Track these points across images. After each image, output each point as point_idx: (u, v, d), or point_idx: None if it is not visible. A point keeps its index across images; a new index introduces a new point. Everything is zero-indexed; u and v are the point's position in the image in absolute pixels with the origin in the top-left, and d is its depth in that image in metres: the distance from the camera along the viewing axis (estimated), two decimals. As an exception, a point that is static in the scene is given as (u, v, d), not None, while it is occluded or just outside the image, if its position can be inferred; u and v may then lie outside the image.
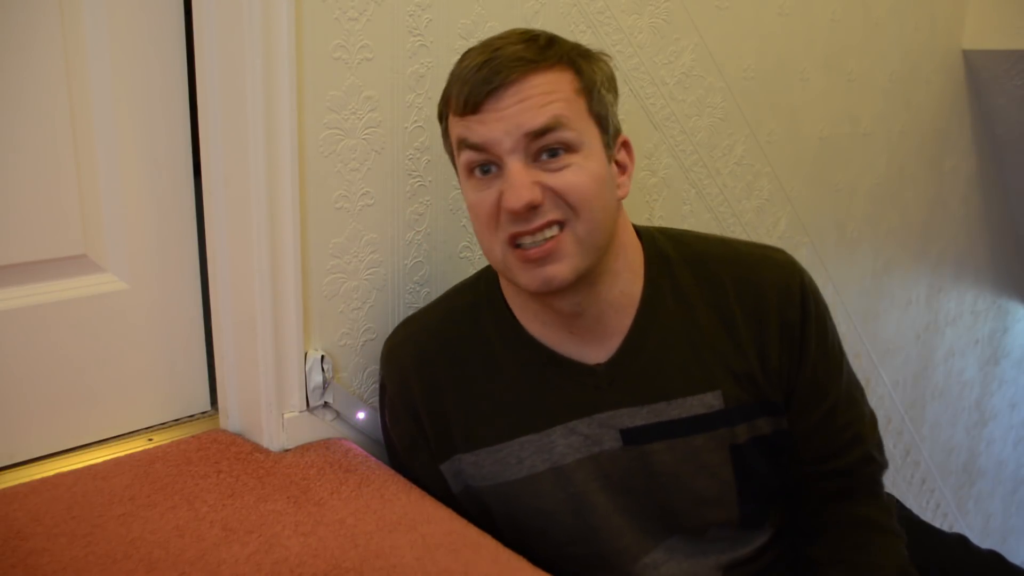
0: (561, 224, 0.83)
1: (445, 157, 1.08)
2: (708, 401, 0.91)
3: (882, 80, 1.93)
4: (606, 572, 0.95)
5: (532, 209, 0.81)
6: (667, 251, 0.94)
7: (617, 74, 0.91)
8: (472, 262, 1.15)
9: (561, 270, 0.83)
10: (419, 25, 1.02)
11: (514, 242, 0.83)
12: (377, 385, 1.08)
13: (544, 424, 0.92)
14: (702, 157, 1.50)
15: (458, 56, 0.88)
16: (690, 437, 0.91)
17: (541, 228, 0.82)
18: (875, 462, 0.97)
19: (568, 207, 0.82)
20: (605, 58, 0.89)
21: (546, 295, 0.87)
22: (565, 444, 0.91)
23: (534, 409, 0.92)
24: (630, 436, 0.91)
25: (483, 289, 0.97)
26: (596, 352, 0.92)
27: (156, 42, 0.97)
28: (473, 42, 1.06)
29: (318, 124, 0.95)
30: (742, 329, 0.91)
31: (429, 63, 1.04)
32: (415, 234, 1.08)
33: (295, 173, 0.93)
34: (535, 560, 0.87)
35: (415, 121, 1.04)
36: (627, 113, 1.29)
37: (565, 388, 0.92)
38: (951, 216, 2.42)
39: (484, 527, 0.95)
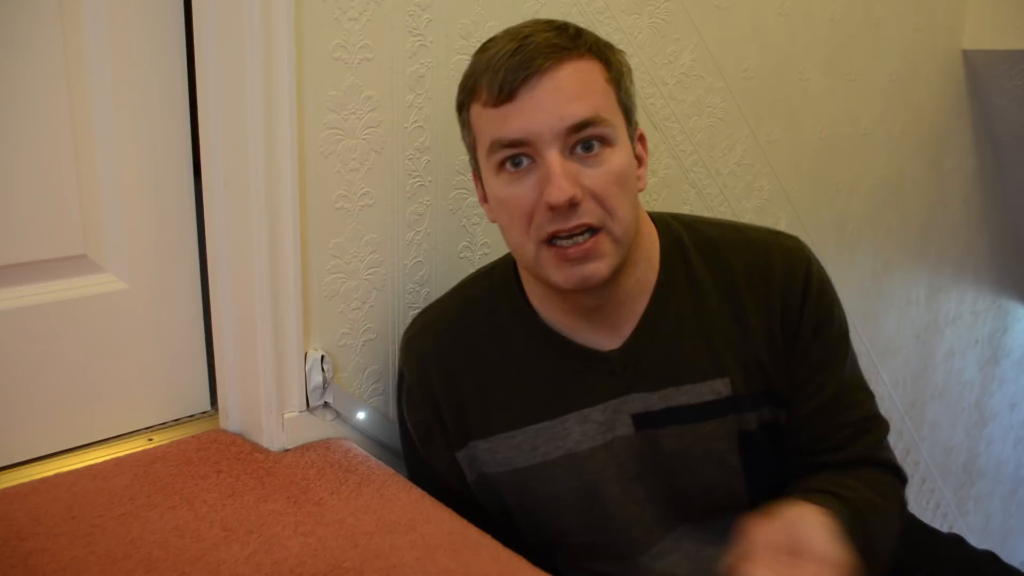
0: (596, 228, 0.82)
1: (445, 157, 1.09)
2: (717, 388, 0.91)
3: (882, 80, 1.93)
4: (615, 562, 0.95)
5: (572, 205, 0.80)
6: (681, 237, 0.95)
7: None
8: (472, 262, 1.15)
9: (599, 268, 0.83)
10: (419, 25, 1.02)
11: (550, 239, 0.82)
12: (378, 383, 1.08)
13: (558, 412, 0.92)
14: (702, 157, 1.50)
15: (459, 55, 0.88)
16: (699, 423, 0.91)
17: (579, 228, 0.81)
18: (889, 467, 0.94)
19: (604, 211, 0.82)
20: (621, 51, 0.89)
21: (576, 292, 0.86)
22: (580, 432, 0.92)
23: (549, 397, 0.92)
24: (641, 421, 0.91)
25: (498, 278, 0.97)
26: (610, 339, 0.92)
27: (156, 42, 0.97)
28: (473, 42, 1.07)
29: (318, 124, 0.95)
30: (752, 316, 0.91)
31: (429, 63, 1.04)
32: (415, 234, 1.08)
33: (295, 173, 0.94)
34: (546, 551, 0.87)
35: (415, 121, 1.04)
36: (627, 113, 1.29)
37: (579, 375, 0.92)
38: (951, 216, 2.42)
39: (497, 518, 0.96)
